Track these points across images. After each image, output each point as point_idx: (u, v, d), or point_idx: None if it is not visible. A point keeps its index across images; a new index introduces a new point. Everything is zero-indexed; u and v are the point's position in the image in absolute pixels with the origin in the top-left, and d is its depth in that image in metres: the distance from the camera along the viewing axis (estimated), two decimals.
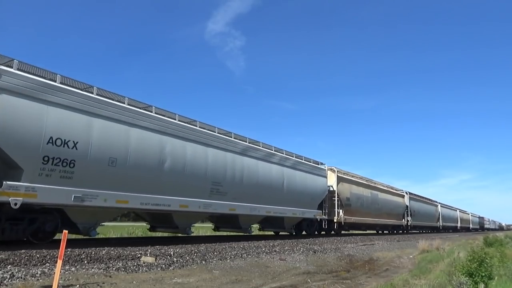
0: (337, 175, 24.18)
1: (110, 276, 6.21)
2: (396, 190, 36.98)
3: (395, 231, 35.73)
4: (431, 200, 47.93)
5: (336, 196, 23.18)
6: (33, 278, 5.60)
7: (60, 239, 5.07)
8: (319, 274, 8.39)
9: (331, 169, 23.94)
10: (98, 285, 5.56)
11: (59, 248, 5.01)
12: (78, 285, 5.42)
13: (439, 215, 49.16)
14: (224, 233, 18.55)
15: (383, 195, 31.75)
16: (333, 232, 23.89)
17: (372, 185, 30.67)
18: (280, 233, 20.76)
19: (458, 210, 62.28)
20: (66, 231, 5.08)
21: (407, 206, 36.98)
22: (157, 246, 10.21)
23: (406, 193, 37.99)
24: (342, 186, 24.46)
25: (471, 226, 70.63)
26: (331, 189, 23.11)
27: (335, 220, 22.77)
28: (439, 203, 50.11)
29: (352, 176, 27.68)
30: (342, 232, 25.50)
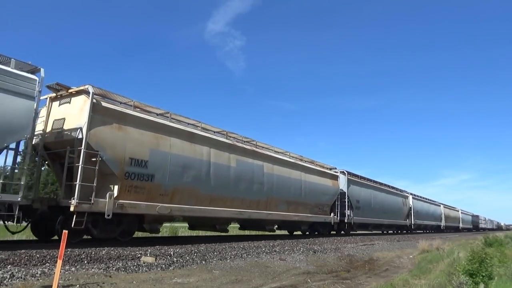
0: (92, 102, 9.67)
1: (110, 276, 6.21)
2: (320, 166, 22.77)
3: (316, 232, 22.12)
4: (395, 189, 34.74)
5: (83, 151, 9.26)
6: (33, 278, 5.60)
7: (60, 239, 5.07)
8: (319, 274, 8.40)
9: (82, 91, 10.06)
10: (98, 285, 5.56)
11: (59, 248, 5.00)
12: (78, 285, 5.42)
13: (410, 210, 36.94)
14: (224, 233, 16.68)
15: (284, 170, 17.72)
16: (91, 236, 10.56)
17: (249, 148, 15.76)
18: None
19: (442, 206, 51.19)
20: (66, 231, 5.08)
21: (343, 193, 23.79)
22: (157, 246, 10.21)
23: (343, 173, 24.69)
24: (122, 133, 10.41)
25: (461, 225, 61.00)
26: (79, 136, 9.51)
27: (92, 209, 9.41)
28: (410, 193, 38.59)
29: (176, 120, 12.95)
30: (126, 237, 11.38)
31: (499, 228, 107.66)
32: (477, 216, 79.24)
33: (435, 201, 48.87)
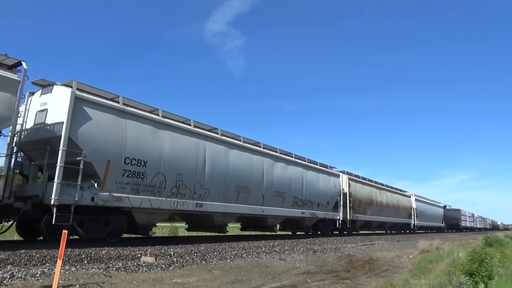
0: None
1: (110, 276, 6.21)
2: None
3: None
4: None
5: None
6: (33, 278, 5.60)
7: (60, 239, 5.07)
8: (319, 274, 8.39)
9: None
10: (98, 285, 5.55)
11: (59, 248, 5.00)
12: (78, 285, 5.42)
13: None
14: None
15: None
16: None
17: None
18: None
19: (345, 175, 24.30)
20: (66, 231, 5.08)
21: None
22: (157, 246, 10.21)
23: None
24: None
25: (415, 221, 36.19)
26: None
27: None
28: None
29: None
30: None
31: (494, 227, 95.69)
32: (458, 210, 59.01)
33: (324, 166, 22.72)
